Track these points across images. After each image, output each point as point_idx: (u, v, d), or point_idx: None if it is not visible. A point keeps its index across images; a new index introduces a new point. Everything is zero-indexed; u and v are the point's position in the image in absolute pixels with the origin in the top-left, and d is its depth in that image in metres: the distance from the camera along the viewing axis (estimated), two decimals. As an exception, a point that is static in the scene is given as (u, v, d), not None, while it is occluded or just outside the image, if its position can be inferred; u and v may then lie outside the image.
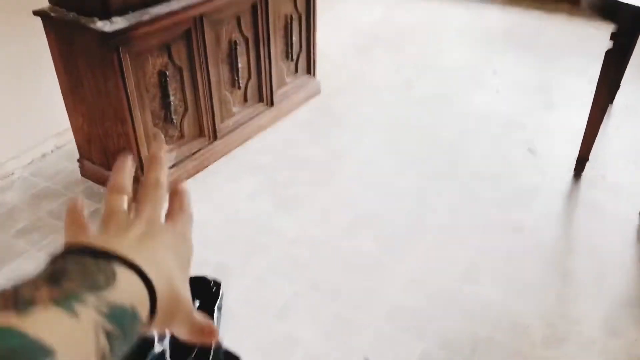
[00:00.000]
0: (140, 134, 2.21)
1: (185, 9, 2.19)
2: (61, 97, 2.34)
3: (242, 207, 2.39)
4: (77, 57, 2.16)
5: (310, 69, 3.13)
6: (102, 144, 2.37)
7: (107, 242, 0.36)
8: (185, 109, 2.41)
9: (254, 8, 2.56)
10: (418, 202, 2.40)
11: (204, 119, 2.51)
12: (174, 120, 2.37)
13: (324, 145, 2.80)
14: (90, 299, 0.30)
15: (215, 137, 2.61)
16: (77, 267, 0.32)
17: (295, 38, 2.91)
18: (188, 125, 2.45)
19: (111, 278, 0.32)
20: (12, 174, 2.56)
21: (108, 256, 0.34)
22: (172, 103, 2.31)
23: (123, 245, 0.36)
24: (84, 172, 2.52)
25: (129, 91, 2.09)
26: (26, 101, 2.52)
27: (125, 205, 0.42)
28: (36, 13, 2.12)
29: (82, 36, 2.04)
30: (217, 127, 2.59)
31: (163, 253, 0.38)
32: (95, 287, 0.31)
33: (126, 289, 0.33)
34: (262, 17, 2.62)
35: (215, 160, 2.64)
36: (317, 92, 3.22)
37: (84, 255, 0.33)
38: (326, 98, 3.22)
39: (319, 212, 2.34)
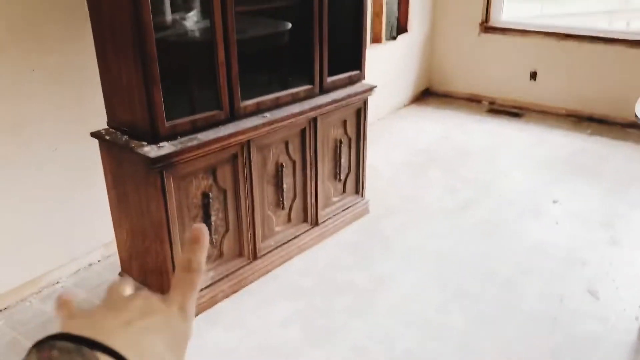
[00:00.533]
0: (178, 254, 2.22)
1: (233, 134, 2.26)
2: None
3: (273, 335, 2.29)
4: (125, 177, 2.24)
5: (358, 189, 3.11)
6: (142, 260, 2.39)
7: (93, 328, 0.36)
8: (227, 229, 2.41)
9: (302, 133, 2.62)
10: (461, 347, 2.20)
11: (245, 238, 2.50)
12: (214, 240, 2.37)
13: (367, 271, 2.69)
14: None
15: (255, 257, 2.58)
16: (60, 355, 0.33)
17: (344, 159, 2.93)
18: (228, 245, 2.44)
19: None
20: (57, 282, 2.61)
21: (91, 344, 0.34)
22: (213, 223, 2.33)
23: (110, 330, 0.36)
24: (124, 285, 2.54)
25: (169, 212, 2.13)
26: (79, 211, 2.62)
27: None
28: (93, 135, 2.26)
29: (131, 159, 2.13)
30: (257, 246, 2.57)
31: (151, 338, 0.38)
32: None
33: None
34: (310, 141, 2.66)
35: (253, 280, 2.59)
36: (365, 212, 3.17)
37: (66, 342, 0.34)
38: (374, 219, 3.16)
39: (351, 349, 2.19)
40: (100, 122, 2.28)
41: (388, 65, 4.78)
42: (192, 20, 2.38)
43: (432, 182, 3.63)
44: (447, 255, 2.82)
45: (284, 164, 2.57)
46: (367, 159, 3.08)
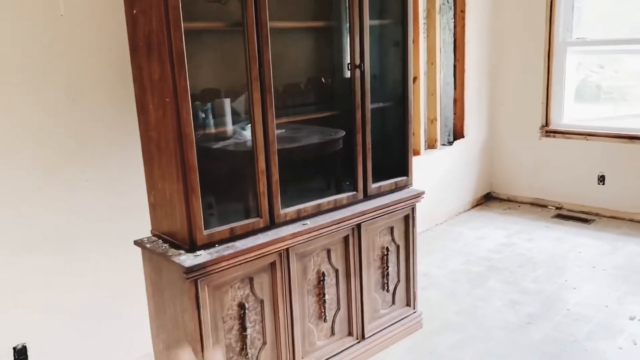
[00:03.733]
0: (210, 368, 2.11)
1: (271, 242, 2.21)
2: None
3: None
4: (163, 286, 2.22)
5: (409, 301, 2.93)
6: (176, 373, 2.29)
7: None
8: (264, 342, 2.30)
9: (345, 240, 2.54)
10: None
11: (283, 353, 2.36)
12: (250, 355, 2.25)
13: (417, 394, 2.45)
14: None
15: (294, 374, 2.42)
16: None
17: (392, 268, 2.79)
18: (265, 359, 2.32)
19: None
20: (94, 393, 2.54)
21: None
22: (249, 336, 2.22)
23: None
24: (158, 400, 2.43)
25: (202, 324, 2.06)
26: (124, 320, 2.60)
27: None
28: (136, 243, 2.29)
29: (168, 267, 2.12)
30: (297, 362, 2.42)
31: None
32: None
33: None
34: (354, 249, 2.57)
35: (292, 400, 2.41)
36: (417, 327, 2.96)
37: None
38: (428, 335, 2.93)
39: None
40: (146, 230, 2.32)
41: (445, 170, 4.71)
42: (250, 130, 2.44)
43: (492, 293, 3.38)
44: (508, 378, 2.54)
45: (326, 273, 2.47)
46: (418, 268, 2.93)
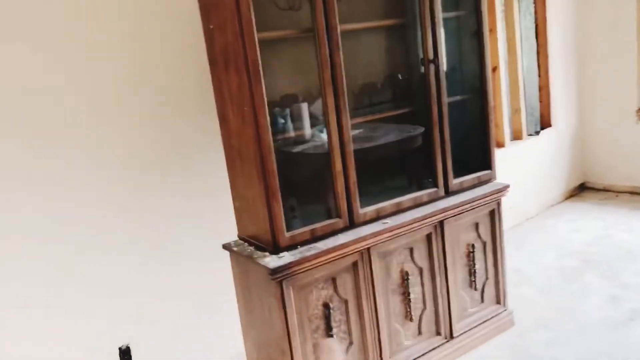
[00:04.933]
0: (299, 367, 2.17)
1: (352, 242, 2.23)
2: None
3: None
4: (251, 287, 2.31)
5: (499, 299, 2.83)
6: (267, 371, 2.37)
7: None
8: (350, 342, 2.32)
9: (428, 238, 2.51)
10: None
11: (371, 353, 2.37)
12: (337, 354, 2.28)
13: (511, 394, 2.37)
14: None
15: (383, 373, 2.42)
16: None
17: (479, 266, 2.71)
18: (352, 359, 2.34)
19: None
20: (193, 390, 2.68)
21: None
22: (335, 336, 2.26)
23: None
24: (252, 397, 2.53)
25: (289, 324, 2.11)
26: (218, 320, 2.72)
27: None
28: (224, 247, 2.39)
29: (255, 269, 2.20)
30: (385, 361, 2.42)
31: None
32: None
33: None
34: (437, 247, 2.53)
35: (381, 399, 2.42)
36: (508, 325, 2.86)
37: None
38: (520, 333, 2.82)
39: None
40: (232, 233, 2.43)
41: (533, 162, 4.51)
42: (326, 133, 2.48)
43: (590, 289, 3.19)
44: (611, 378, 2.39)
45: (409, 272, 2.45)
46: (508, 264, 2.82)
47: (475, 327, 2.73)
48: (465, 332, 2.69)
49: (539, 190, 4.59)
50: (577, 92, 4.87)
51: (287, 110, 2.35)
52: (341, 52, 2.18)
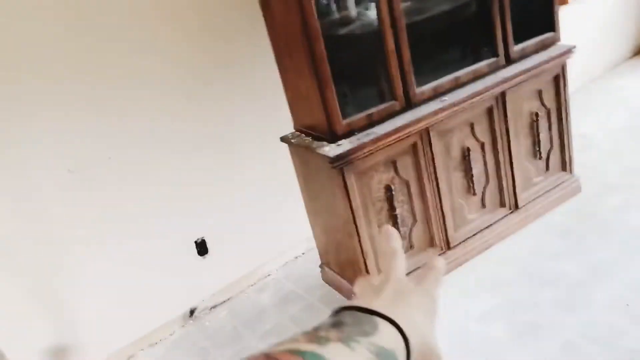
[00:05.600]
0: (367, 247, 2.24)
1: (410, 124, 2.19)
2: (305, 208, 2.56)
3: (472, 331, 2.17)
4: (312, 176, 2.34)
5: (565, 166, 2.76)
6: (336, 253, 2.47)
7: (370, 303, 0.47)
8: (414, 220, 2.36)
9: (489, 112, 2.42)
10: None
11: (435, 229, 2.41)
12: (402, 232, 2.33)
13: (580, 260, 2.38)
14: (363, 340, 0.41)
15: (448, 247, 2.48)
16: (351, 319, 0.44)
17: (543, 135, 2.62)
18: (417, 236, 2.39)
19: (375, 328, 0.43)
20: (269, 275, 2.86)
21: (371, 312, 0.45)
22: (399, 215, 2.29)
23: (381, 305, 0.46)
24: (324, 278, 2.67)
25: (354, 208, 2.15)
26: (283, 209, 2.81)
27: (372, 276, 0.53)
28: (282, 139, 2.40)
29: (315, 159, 2.21)
30: (449, 236, 2.46)
31: (412, 311, 0.47)
32: (365, 333, 0.42)
33: (387, 337, 0.43)
34: (499, 119, 2.45)
35: (449, 272, 2.49)
36: (575, 191, 2.81)
37: (355, 312, 0.45)
38: (588, 198, 2.77)
39: (561, 348, 1.96)
40: (290, 127, 2.42)
41: (599, 18, 4.15)
42: (374, 10, 2.34)
43: (663, 148, 3.05)
44: (685, 236, 2.34)
45: (470, 148, 2.40)
46: (573, 130, 2.71)
47: (541, 195, 2.71)
48: (530, 201, 2.68)
49: (604, 49, 4.26)
50: None
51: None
52: None
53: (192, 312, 2.68)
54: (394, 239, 0.54)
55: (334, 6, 2.29)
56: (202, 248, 2.65)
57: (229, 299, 2.76)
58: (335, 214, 2.29)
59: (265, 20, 2.23)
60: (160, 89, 2.38)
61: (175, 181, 2.50)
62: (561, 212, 2.71)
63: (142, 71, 2.33)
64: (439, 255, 2.44)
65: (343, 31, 2.33)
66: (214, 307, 2.73)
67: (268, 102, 2.63)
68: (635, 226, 2.48)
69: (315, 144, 2.19)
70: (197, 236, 2.63)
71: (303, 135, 2.32)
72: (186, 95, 2.45)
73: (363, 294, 0.50)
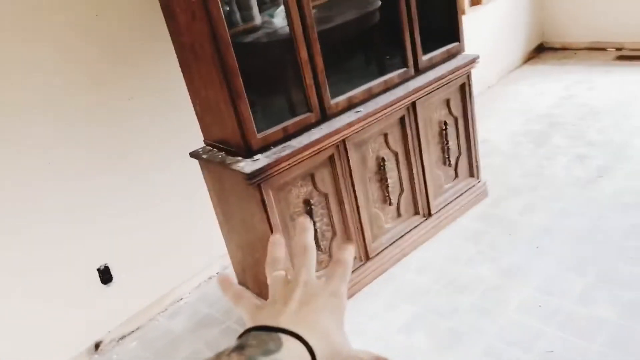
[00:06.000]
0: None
1: (327, 136, 2.13)
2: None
3: (395, 342, 2.15)
4: (227, 193, 2.22)
5: (473, 172, 2.85)
6: (254, 272, 2.37)
7: (274, 317, 0.46)
8: (334, 233, 2.31)
9: (401, 121, 2.43)
10: (614, 344, 1.91)
11: (354, 240, 2.38)
12: (322, 247, 2.28)
13: (493, 263, 2.45)
14: (265, 359, 0.41)
15: (367, 258, 2.46)
16: (255, 340, 0.43)
17: (452, 142, 2.69)
18: (337, 250, 2.34)
19: (279, 345, 0.42)
20: (181, 299, 2.69)
21: (275, 330, 0.44)
22: (318, 229, 2.23)
23: (285, 319, 0.45)
24: (242, 297, 2.54)
25: (272, 224, 2.06)
26: (195, 228, 2.66)
27: (282, 276, 0.51)
28: (192, 155, 2.26)
29: (229, 175, 2.10)
30: (368, 247, 2.44)
31: (318, 315, 0.47)
32: (268, 352, 0.41)
33: (292, 353, 0.43)
34: (411, 129, 2.47)
35: (368, 283, 2.47)
36: (483, 196, 2.91)
37: (258, 332, 0.44)
38: (495, 202, 2.88)
39: (483, 353, 1.99)
40: (199, 141, 2.28)
41: (493, 27, 4.38)
42: (280, 17, 2.26)
43: (558, 150, 3.25)
44: (584, 235, 2.49)
45: (385, 158, 2.40)
46: (478, 136, 2.81)
47: (452, 201, 2.77)
48: (442, 208, 2.73)
49: (499, 56, 4.51)
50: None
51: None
52: None
53: (97, 345, 2.45)
54: (307, 233, 0.53)
55: (237, 14, 2.19)
56: (105, 275, 2.43)
57: (138, 328, 2.56)
58: (252, 231, 2.18)
59: (170, 30, 2.08)
60: (53, 103, 2.15)
61: (71, 204, 2.27)
62: (471, 216, 2.80)
63: (34, 89, 2.09)
64: (353, 252, 2.42)
65: (249, 39, 2.24)
66: (122, 338, 2.51)
67: (174, 115, 2.47)
68: (540, 227, 2.60)
69: (229, 159, 2.08)
70: (100, 263, 2.41)
71: (215, 150, 2.20)
72: (80, 108, 2.23)
73: (274, 302, 0.49)
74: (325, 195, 2.24)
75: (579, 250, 2.40)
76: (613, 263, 2.28)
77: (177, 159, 2.46)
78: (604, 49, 4.60)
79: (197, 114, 2.23)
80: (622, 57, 4.40)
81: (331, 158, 2.20)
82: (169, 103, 2.45)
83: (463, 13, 3.93)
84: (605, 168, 2.95)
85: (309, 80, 2.11)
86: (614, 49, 4.55)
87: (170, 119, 2.48)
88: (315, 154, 2.13)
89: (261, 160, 2.00)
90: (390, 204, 2.49)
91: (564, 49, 4.84)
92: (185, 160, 2.30)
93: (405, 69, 2.44)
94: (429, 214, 2.68)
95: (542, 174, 3.04)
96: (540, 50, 4.95)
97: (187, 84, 2.18)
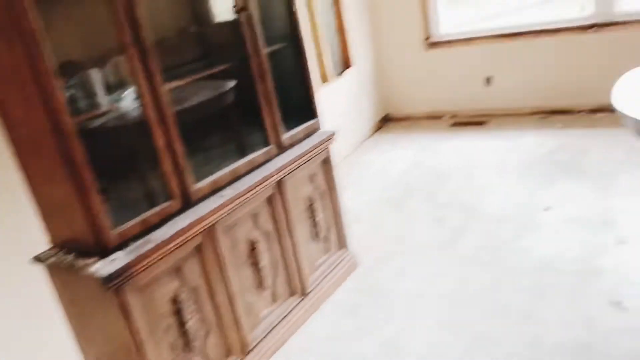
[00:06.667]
0: (157, 375, 1.90)
1: (192, 225, 1.98)
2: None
3: None
4: (81, 300, 1.94)
5: (343, 243, 2.85)
6: (118, 388, 2.06)
7: None
8: (207, 331, 2.11)
9: (270, 201, 2.36)
10: (499, 405, 1.93)
11: (230, 335, 2.20)
12: (195, 347, 2.06)
13: (373, 336, 2.41)
14: None
15: (245, 352, 2.28)
16: None
17: (321, 216, 2.67)
18: (213, 347, 2.14)
19: None
20: None
21: None
22: (190, 329, 2.02)
23: None
24: (104, 418, 2.20)
25: (136, 331, 1.82)
26: (45, 343, 2.27)
27: None
28: (36, 259, 1.95)
29: (82, 280, 1.83)
30: (246, 340, 2.27)
31: None
32: None
33: None
34: (281, 208, 2.41)
35: (250, 378, 2.29)
36: (354, 267, 2.91)
37: None
38: (366, 271, 2.90)
39: None
40: (44, 243, 1.98)
41: (342, 102, 4.61)
42: (129, 99, 2.10)
43: (416, 214, 3.40)
44: (452, 296, 2.57)
45: (256, 240, 2.30)
46: (343, 208, 2.84)
47: (326, 276, 2.73)
48: (317, 284, 2.67)
49: (350, 129, 4.73)
50: (371, 30, 5.05)
51: (74, 80, 1.94)
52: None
53: None
54: None
55: (82, 100, 2.00)
56: None
57: None
58: (113, 341, 1.91)
59: (3, 121, 1.83)
60: None
61: None
62: (346, 289, 2.77)
63: None
64: (238, 361, 2.24)
65: (96, 126, 2.05)
66: None
67: (12, 217, 2.14)
68: (411, 293, 2.65)
69: (81, 261, 1.82)
70: None
71: (63, 252, 1.92)
72: None
73: None
74: (195, 289, 2.05)
75: (452, 312, 2.47)
76: (484, 320, 2.36)
77: (17, 265, 2.11)
78: (441, 117, 5.06)
79: (40, 213, 1.95)
80: (457, 124, 4.87)
81: (199, 247, 2.04)
82: (4, 203, 2.13)
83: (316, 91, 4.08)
84: (461, 228, 3.13)
85: (168, 166, 1.97)
86: (449, 117, 5.03)
87: (6, 222, 2.14)
88: (181, 245, 1.96)
89: (119, 260, 1.78)
90: (265, 288, 2.37)
91: (407, 118, 5.24)
92: (27, 266, 1.98)
93: (268, 147, 2.41)
94: (305, 293, 2.59)
95: (405, 240, 3.14)
96: (386, 121, 5.31)
97: (28, 180, 1.91)
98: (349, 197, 3.73)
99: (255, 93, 2.34)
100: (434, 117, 5.11)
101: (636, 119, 1.96)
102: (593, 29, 4.21)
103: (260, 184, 2.27)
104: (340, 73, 4.66)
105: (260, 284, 2.34)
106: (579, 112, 4.41)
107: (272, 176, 2.33)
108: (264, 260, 2.35)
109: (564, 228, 2.92)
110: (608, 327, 2.18)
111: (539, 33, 4.44)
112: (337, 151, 4.37)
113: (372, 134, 5.08)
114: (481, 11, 5.08)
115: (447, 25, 4.90)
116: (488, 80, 4.79)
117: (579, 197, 3.20)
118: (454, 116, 5.02)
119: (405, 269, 2.85)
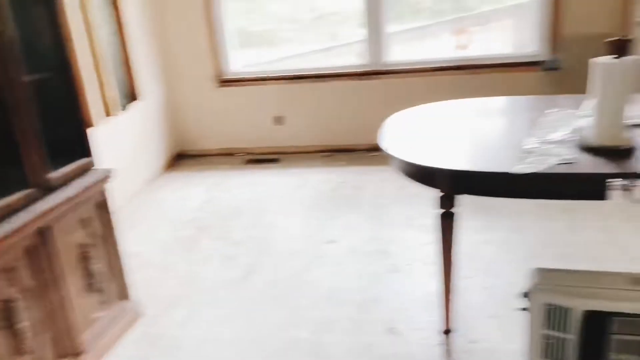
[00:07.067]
0: None
1: None
2: None
3: None
4: None
5: (124, 293, 2.62)
6: None
7: None
8: (-57, 415, 1.72)
9: (32, 251, 2.05)
10: None
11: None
12: None
13: (157, 392, 2.23)
14: None
15: None
16: None
17: (96, 266, 2.41)
18: None
19: None
20: None
21: None
22: None
23: None
24: None
25: None
26: None
27: None
28: None
29: None
30: (0, 418, 1.90)
31: None
32: None
33: None
34: (46, 259, 2.11)
35: None
36: (138, 316, 2.68)
37: None
38: (152, 320, 2.69)
39: None
40: None
41: (130, 138, 4.34)
42: None
43: (208, 254, 3.30)
44: (246, 338, 2.51)
45: (13, 299, 1.97)
46: (128, 251, 2.61)
47: (105, 331, 2.46)
48: (94, 341, 2.38)
49: (140, 165, 4.48)
50: (162, 63, 4.89)
51: None
52: None
53: None
54: None
55: None
56: None
57: None
58: None
59: None
60: None
61: None
62: (130, 343, 2.53)
63: None
64: None
65: None
66: None
67: None
68: (202, 339, 2.52)
69: None
70: None
71: None
72: None
73: None
74: None
75: (246, 354, 2.40)
76: (275, 354, 2.35)
77: None
78: (234, 154, 5.09)
79: None
80: (250, 161, 4.93)
81: None
82: None
83: (92, 125, 3.77)
84: (253, 265, 3.12)
85: None
86: (243, 154, 5.08)
87: None
88: None
89: None
90: (23, 354, 2.03)
91: (201, 155, 5.15)
92: None
93: (30, 189, 2.10)
94: (77, 353, 2.29)
95: (196, 281, 3.02)
96: (180, 158, 5.15)
97: None
98: (137, 240, 3.49)
99: (12, 127, 2.04)
100: (228, 154, 5.11)
101: (398, 158, 2.17)
102: (367, 75, 4.68)
103: (18, 232, 1.95)
104: (125, 107, 4.39)
105: (18, 350, 2.00)
106: (359, 150, 4.81)
107: (35, 222, 2.03)
108: (24, 322, 2.02)
109: (345, 260, 3.09)
110: (384, 353, 2.32)
111: (323, 77, 4.78)
112: (123, 190, 4.09)
113: (165, 171, 4.87)
114: (272, 53, 5.29)
115: (238, 64, 4.99)
116: (278, 120, 4.97)
117: (358, 229, 3.44)
118: (247, 153, 5.08)
119: (195, 314, 2.72)
